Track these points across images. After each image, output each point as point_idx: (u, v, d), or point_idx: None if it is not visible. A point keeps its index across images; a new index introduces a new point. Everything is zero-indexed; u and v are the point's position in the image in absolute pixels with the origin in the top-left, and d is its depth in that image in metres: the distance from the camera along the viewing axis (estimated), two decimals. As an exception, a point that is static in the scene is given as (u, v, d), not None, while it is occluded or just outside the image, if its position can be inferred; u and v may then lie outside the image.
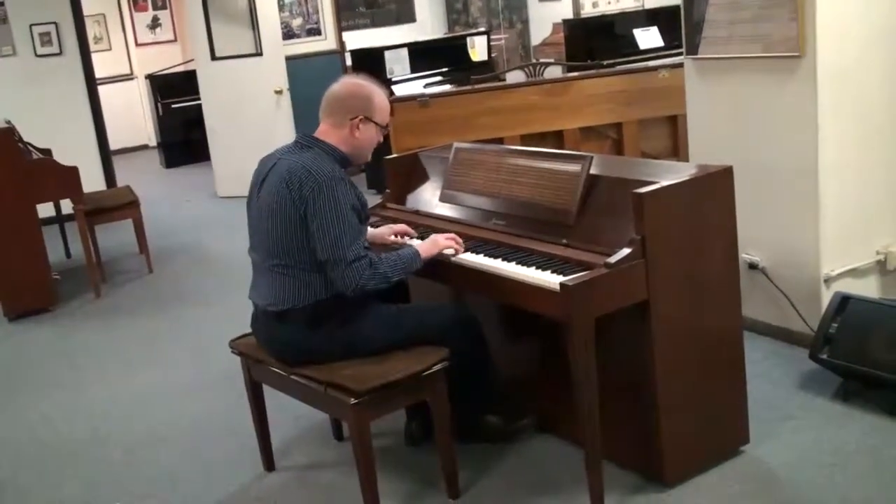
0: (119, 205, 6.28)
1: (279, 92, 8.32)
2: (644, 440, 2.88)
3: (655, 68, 4.58)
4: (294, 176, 2.80)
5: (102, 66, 12.19)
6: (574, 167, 3.01)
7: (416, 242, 3.18)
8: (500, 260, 2.92)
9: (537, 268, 2.79)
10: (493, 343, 3.17)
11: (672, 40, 7.54)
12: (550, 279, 2.68)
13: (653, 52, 7.40)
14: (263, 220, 2.92)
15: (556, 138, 4.64)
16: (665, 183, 2.74)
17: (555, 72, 4.84)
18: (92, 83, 8.50)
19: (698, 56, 3.97)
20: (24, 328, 5.50)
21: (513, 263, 2.86)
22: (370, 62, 8.08)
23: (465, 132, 4.54)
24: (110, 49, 12.68)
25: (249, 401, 3.26)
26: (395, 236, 3.28)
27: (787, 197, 3.71)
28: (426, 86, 8.03)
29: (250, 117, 8.30)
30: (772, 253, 3.80)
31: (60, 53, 8.26)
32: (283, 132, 8.23)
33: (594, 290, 2.60)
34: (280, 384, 3.07)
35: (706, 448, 2.95)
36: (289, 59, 8.44)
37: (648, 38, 7.99)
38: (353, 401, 2.72)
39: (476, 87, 4.78)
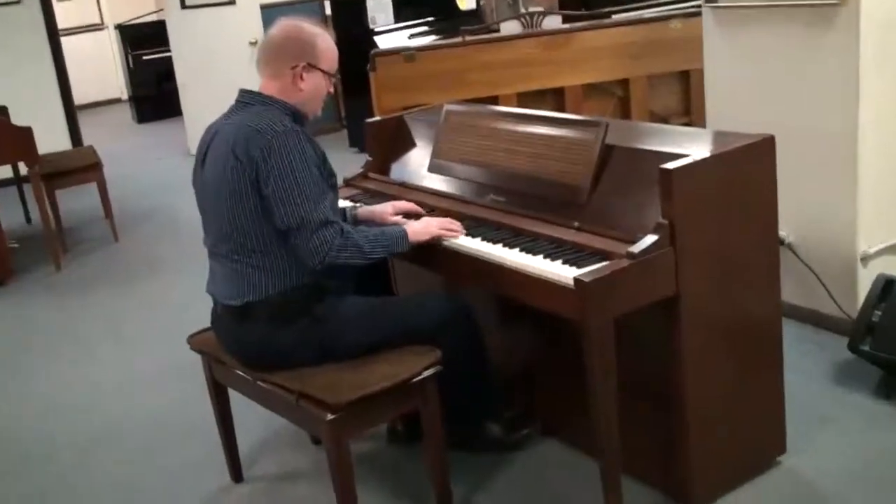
0: (80, 167, 5.79)
1: (254, 43, 7.78)
2: (669, 453, 2.49)
3: (667, 18, 4.13)
4: (239, 138, 2.37)
5: (70, 15, 11.63)
6: (587, 135, 2.57)
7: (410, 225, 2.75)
8: (500, 246, 2.49)
9: (545, 256, 2.36)
10: (489, 333, 2.76)
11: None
12: (562, 272, 2.25)
13: (653, 2, 6.93)
14: (210, 198, 2.48)
15: (557, 96, 4.19)
16: (697, 156, 2.30)
17: (554, 22, 4.36)
18: (54, 34, 7.94)
19: (719, 3, 3.51)
20: (-24, 304, 5.06)
21: (516, 251, 2.44)
22: (350, 11, 7.58)
23: (456, 90, 4.08)
24: (79, -4, 12.05)
25: (213, 404, 2.85)
26: (400, 216, 2.82)
27: (819, 164, 3.29)
28: (411, 37, 7.54)
29: (223, 70, 7.76)
30: (800, 226, 3.39)
31: (19, 2, 7.70)
32: (257, 85, 7.72)
33: (614, 285, 2.18)
34: (246, 389, 2.65)
35: (739, 461, 2.56)
36: (264, 7, 7.92)
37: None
38: (328, 416, 2.30)
39: (467, 39, 4.30)
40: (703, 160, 2.30)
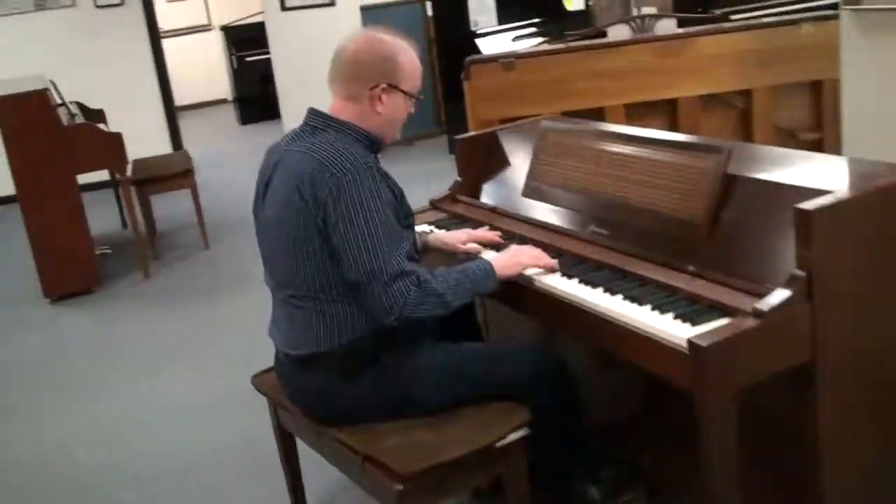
0: (172, 173, 5.67)
1: (354, 45, 7.56)
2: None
3: (796, 22, 3.69)
4: (304, 174, 2.09)
5: (178, 16, 11.73)
6: (705, 162, 2.20)
7: (490, 255, 2.43)
8: (600, 291, 2.14)
9: (654, 308, 2.00)
10: (587, 378, 2.42)
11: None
12: (673, 329, 1.90)
13: (779, 3, 6.42)
14: (271, 237, 2.22)
15: (669, 108, 3.80)
16: (842, 193, 1.91)
17: (668, 26, 3.97)
18: (156, 36, 7.91)
19: (861, 6, 3.08)
20: (63, 312, 4.98)
21: (618, 298, 2.09)
22: (452, 13, 7.30)
23: (558, 100, 3.73)
24: (187, -2, 12.15)
25: (279, 451, 2.59)
26: (474, 245, 2.52)
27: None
28: (515, 39, 7.20)
29: (323, 73, 7.53)
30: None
31: (121, 4, 7.69)
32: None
33: (737, 351, 1.81)
34: (311, 441, 2.38)
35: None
36: (364, 8, 7.70)
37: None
38: (396, 486, 2.00)
39: (571, 44, 3.95)
40: (850, 198, 1.91)
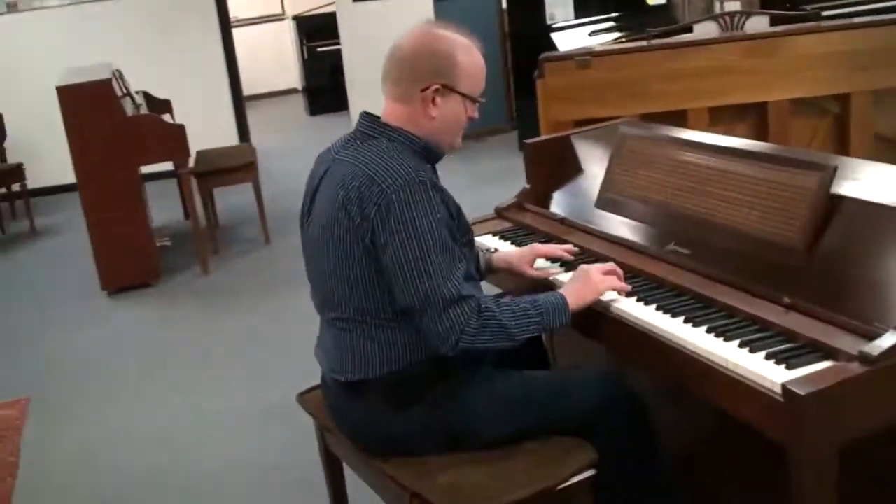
0: (235, 166, 5.56)
1: (425, 38, 7.38)
2: None
3: (901, 21, 3.39)
4: (352, 188, 1.89)
5: (254, 5, 11.71)
6: (807, 179, 1.96)
7: (561, 277, 2.22)
8: (681, 321, 1.92)
9: (742, 344, 1.77)
10: (663, 411, 2.19)
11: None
12: (765, 371, 1.66)
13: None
14: (316, 254, 2.03)
15: (758, 113, 3.52)
16: (969, 222, 1.66)
17: (760, 24, 3.69)
18: (226, 24, 7.83)
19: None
20: (120, 307, 4.90)
21: (701, 331, 1.86)
22: (528, 5, 7.07)
23: (637, 102, 3.49)
24: (261, -14, 12.12)
25: (325, 475, 2.41)
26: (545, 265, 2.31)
27: None
28: (592, 34, 6.95)
29: (392, 66, 7.42)
30: None
31: (192, -9, 7.63)
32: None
33: (841, 401, 1.57)
34: (359, 468, 2.20)
35: None
36: (438, 0, 7.49)
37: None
38: (446, 531, 1.81)
39: (653, 42, 3.69)
40: (980, 230, 1.65)
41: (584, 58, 3.52)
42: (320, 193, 2.01)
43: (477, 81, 2.03)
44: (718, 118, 3.55)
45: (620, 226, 2.43)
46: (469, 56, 2.01)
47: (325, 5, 10.92)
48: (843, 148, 3.51)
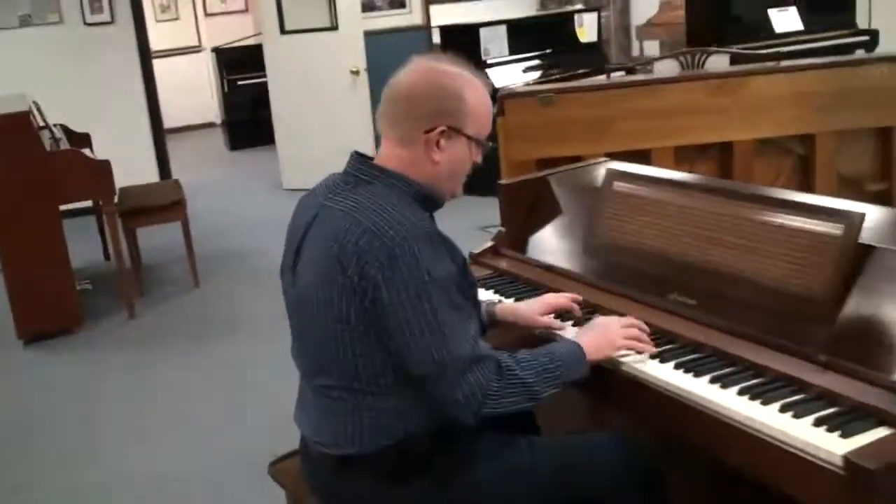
0: (162, 205, 5.26)
1: (356, 72, 7.21)
2: None
3: (867, 62, 3.36)
4: (348, 242, 1.68)
5: (169, 37, 11.38)
6: (833, 227, 1.84)
7: (571, 332, 2.04)
8: (705, 382, 1.76)
9: (783, 409, 1.62)
10: (686, 481, 2.03)
11: (813, 23, 6.30)
12: (818, 441, 1.51)
13: (791, 37, 6.17)
14: (306, 314, 1.80)
15: (722, 152, 3.45)
16: None
17: (720, 63, 3.64)
18: (146, 57, 7.51)
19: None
20: (37, 357, 4.52)
21: (732, 392, 1.70)
22: (462, 41, 6.96)
23: (600, 141, 3.38)
24: (178, 18, 11.79)
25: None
26: (551, 318, 2.11)
27: None
28: (525, 70, 6.89)
29: (322, 100, 7.23)
30: None
31: (112, 22, 7.29)
32: (358, 119, 7.16)
33: (910, 474, 1.43)
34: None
35: None
36: (367, 34, 7.33)
37: (786, 19, 6.72)
38: None
39: (616, 81, 3.60)
40: None
41: (548, 95, 3.39)
42: (308, 246, 1.79)
43: (485, 123, 1.86)
44: (683, 157, 3.46)
45: (613, 273, 2.27)
46: (477, 95, 1.83)
47: (246, 38, 10.68)
48: (808, 187, 3.46)
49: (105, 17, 7.24)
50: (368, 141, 7.27)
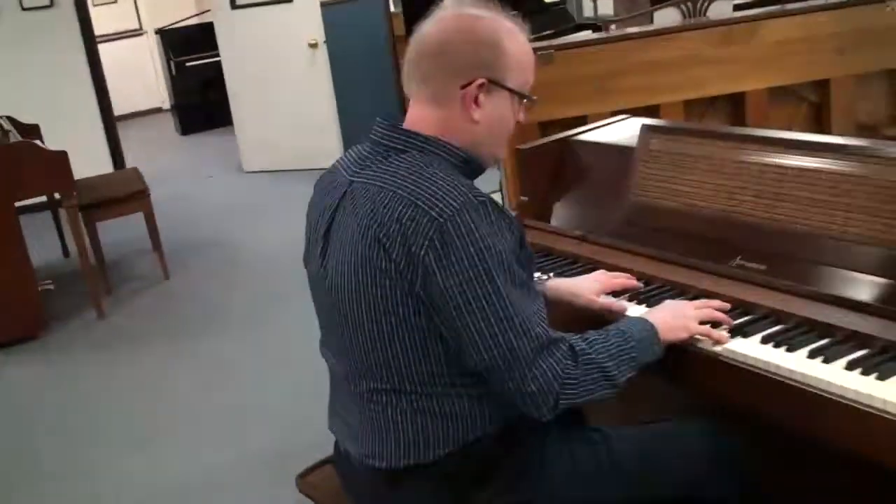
0: (124, 195, 4.93)
1: (314, 45, 6.91)
2: None
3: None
4: (389, 220, 1.44)
5: (106, 20, 10.84)
6: (928, 176, 1.64)
7: (634, 310, 1.81)
8: (804, 356, 1.55)
9: (880, 376, 1.42)
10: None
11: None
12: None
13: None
14: (343, 308, 1.54)
15: (733, 104, 3.25)
16: None
17: (722, 10, 3.43)
18: (91, 41, 7.10)
19: None
20: (2, 363, 4.19)
21: (837, 367, 1.50)
22: (423, 8, 6.65)
23: (605, 99, 3.15)
24: (115, 1, 11.26)
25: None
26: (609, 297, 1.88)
27: None
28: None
29: (280, 76, 6.92)
30: None
31: (51, 5, 6.87)
32: (319, 94, 6.88)
33: None
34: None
35: None
36: (325, 5, 7.00)
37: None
38: None
39: (620, 34, 3.37)
40: None
41: (547, 52, 3.15)
42: (339, 228, 1.54)
43: (528, 73, 1.62)
44: (691, 111, 3.26)
45: (660, 241, 2.05)
46: (517, 43, 1.59)
47: (190, 17, 10.25)
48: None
49: (44, 0, 6.82)
50: (332, 116, 7.00)
